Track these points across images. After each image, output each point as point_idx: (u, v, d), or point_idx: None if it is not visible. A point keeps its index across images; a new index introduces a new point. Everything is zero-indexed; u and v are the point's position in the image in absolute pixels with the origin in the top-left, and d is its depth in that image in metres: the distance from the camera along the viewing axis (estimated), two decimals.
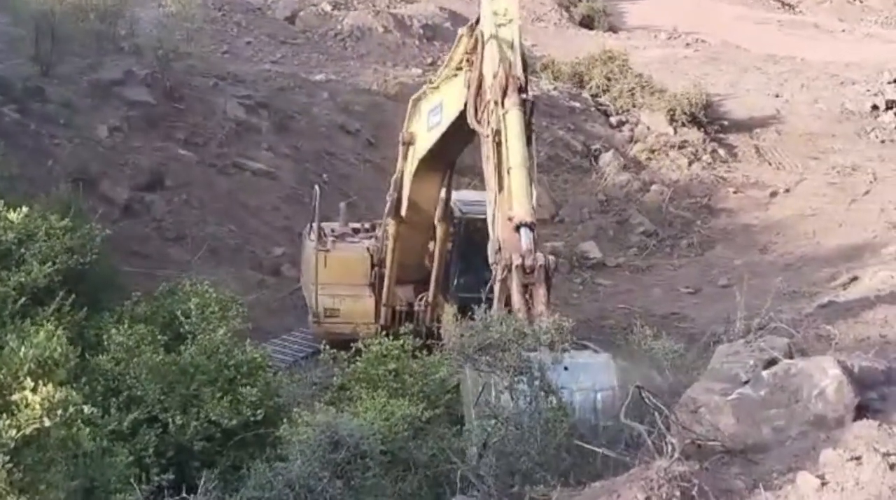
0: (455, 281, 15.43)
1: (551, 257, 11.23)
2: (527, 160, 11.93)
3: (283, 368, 13.83)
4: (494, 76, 12.30)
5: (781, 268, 21.17)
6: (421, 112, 15.01)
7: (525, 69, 12.60)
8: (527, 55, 13.63)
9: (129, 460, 8.73)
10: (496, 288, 11.03)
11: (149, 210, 19.54)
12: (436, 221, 15.52)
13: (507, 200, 11.67)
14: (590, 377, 9.48)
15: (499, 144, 12.01)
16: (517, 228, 11.24)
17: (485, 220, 15.24)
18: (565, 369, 9.41)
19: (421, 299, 15.83)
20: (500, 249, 11.23)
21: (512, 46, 12.50)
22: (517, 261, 10.78)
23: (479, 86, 12.70)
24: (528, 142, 12.24)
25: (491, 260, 11.47)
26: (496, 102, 12.16)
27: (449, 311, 14.89)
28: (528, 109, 12.31)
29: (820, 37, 38.02)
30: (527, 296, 10.76)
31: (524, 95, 12.16)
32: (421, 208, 15.47)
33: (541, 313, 10.58)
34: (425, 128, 14.82)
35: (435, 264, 15.65)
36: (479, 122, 12.56)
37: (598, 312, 19.16)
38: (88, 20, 22.04)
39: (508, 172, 11.81)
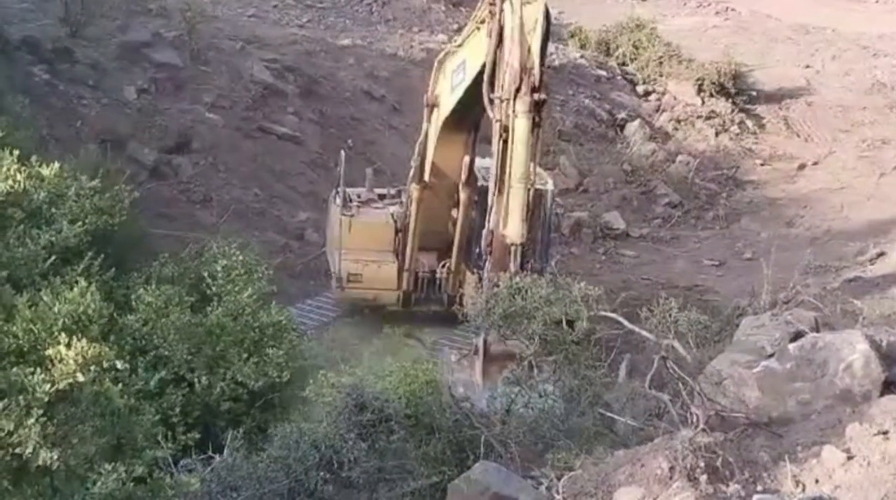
0: (479, 248, 15.43)
1: (535, 276, 11.36)
2: (529, 175, 11.89)
3: (308, 331, 13.94)
4: (510, 64, 11.99)
5: (808, 242, 21.08)
6: (445, 72, 14.94)
7: (543, 55, 12.23)
8: (551, 29, 13.30)
9: (155, 418, 8.84)
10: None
11: (176, 173, 19.63)
12: (459, 187, 15.51)
13: (504, 216, 11.80)
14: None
15: (504, 141, 12.01)
16: (508, 248, 11.43)
17: None
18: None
19: (443, 266, 15.85)
20: (488, 257, 11.40)
21: (534, 28, 12.15)
22: (505, 281, 10.91)
23: (500, 37, 12.42)
24: (534, 144, 12.05)
25: (484, 246, 11.93)
26: (508, 99, 12.04)
27: (471, 279, 14.93)
28: (541, 109, 12.11)
29: (853, 7, 37.45)
30: None
31: (537, 96, 11.95)
32: (444, 173, 15.45)
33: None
34: (449, 88, 14.77)
35: (458, 231, 15.66)
36: (492, 101, 12.41)
37: (620, 283, 19.11)
38: None
39: (510, 187, 11.86)
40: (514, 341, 10.85)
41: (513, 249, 11.67)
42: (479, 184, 15.45)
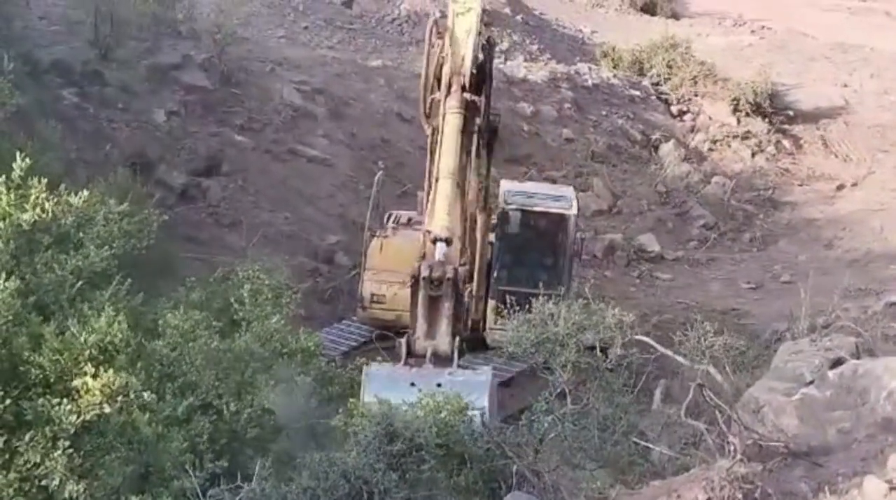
0: (497, 273, 15.34)
1: (462, 270, 11.65)
2: (455, 171, 12.06)
3: (336, 357, 13.92)
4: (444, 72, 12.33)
5: (847, 264, 20.85)
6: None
7: (479, 64, 12.51)
8: (492, 43, 13.58)
9: (183, 446, 8.84)
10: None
11: (205, 196, 19.73)
12: (476, 212, 15.51)
13: (430, 210, 11.84)
14: (464, 397, 9.60)
15: (433, 143, 12.18)
16: (433, 242, 11.35)
17: (528, 211, 15.35)
18: (438, 385, 9.64)
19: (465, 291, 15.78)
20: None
21: (467, 37, 12.41)
22: (425, 272, 11.15)
23: (439, 68, 12.76)
24: (479, 146, 12.25)
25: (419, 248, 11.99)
26: (440, 101, 12.29)
27: (490, 305, 14.90)
28: (481, 109, 12.33)
29: (891, 25, 37.24)
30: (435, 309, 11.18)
31: (468, 95, 12.17)
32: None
33: (443, 329, 11.08)
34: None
35: (477, 256, 15.62)
36: (427, 115, 12.64)
37: (655, 306, 19.00)
38: (147, 3, 22.29)
39: (436, 182, 11.95)
40: (441, 337, 11.05)
41: (438, 244, 11.63)
42: (501, 207, 15.43)
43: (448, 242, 11.56)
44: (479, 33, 12.96)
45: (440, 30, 13.20)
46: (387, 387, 10.22)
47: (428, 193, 12.36)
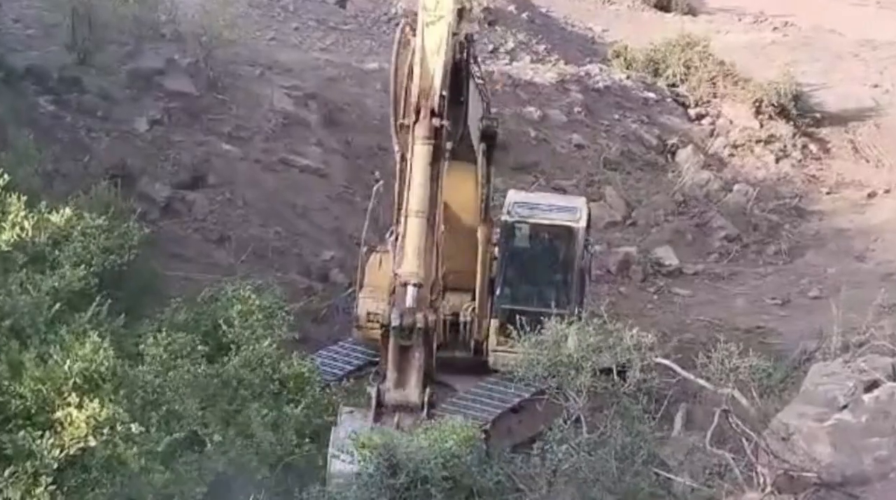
0: (499, 290, 15.32)
1: (432, 317, 11.70)
2: (426, 207, 12.08)
3: (333, 381, 13.91)
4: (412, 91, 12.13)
5: (881, 278, 20.81)
6: None
7: (449, 78, 12.35)
8: (470, 39, 13.38)
9: (166, 477, 8.82)
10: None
11: (190, 209, 19.76)
12: (476, 225, 15.48)
13: (400, 250, 11.96)
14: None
15: (402, 171, 12.19)
16: (403, 286, 11.67)
17: (533, 224, 15.34)
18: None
19: (467, 309, 15.75)
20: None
21: (437, 52, 12.22)
22: (395, 321, 11.39)
23: (409, 75, 12.56)
24: (436, 176, 12.15)
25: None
26: (408, 125, 12.20)
27: (492, 324, 14.89)
28: (447, 135, 12.27)
29: None
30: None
31: (436, 121, 12.11)
32: (454, 210, 15.38)
33: (413, 380, 11.26)
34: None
35: (478, 272, 15.58)
36: (397, 131, 12.52)
37: (674, 325, 18.98)
38: (127, 5, 22.35)
39: (406, 220, 12.04)
40: (411, 388, 11.20)
41: (408, 288, 11.69)
42: (504, 220, 15.42)
43: (418, 286, 11.67)
44: (455, 34, 12.59)
45: (413, 30, 12.74)
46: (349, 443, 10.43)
47: (398, 222, 12.36)
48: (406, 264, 11.90)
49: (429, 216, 12.19)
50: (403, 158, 12.40)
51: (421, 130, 12.13)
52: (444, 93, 12.26)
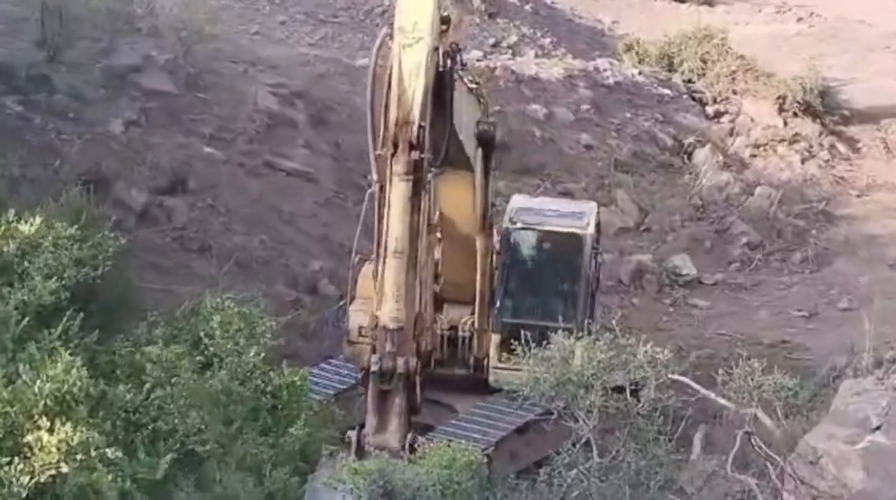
0: (500, 303, 15.34)
1: (413, 362, 11.95)
2: (404, 246, 12.17)
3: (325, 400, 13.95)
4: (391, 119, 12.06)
5: None
6: None
7: (430, 105, 12.21)
8: (457, 49, 13.29)
9: None
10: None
11: (169, 217, 19.80)
12: (475, 234, 15.50)
13: (380, 290, 12.17)
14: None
15: (380, 201, 12.28)
16: (383, 329, 12.01)
17: (536, 231, 15.38)
18: None
19: (465, 323, 15.77)
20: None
21: (416, 76, 12.09)
22: (374, 367, 11.72)
23: (389, 85, 12.45)
24: (417, 207, 12.25)
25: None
26: (386, 157, 12.21)
27: (493, 339, 14.92)
28: (426, 166, 12.30)
29: None
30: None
31: (415, 155, 12.09)
32: (451, 219, 15.40)
33: (394, 425, 11.65)
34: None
35: (478, 284, 15.60)
36: (375, 159, 12.49)
37: (692, 339, 19.02)
38: None
39: (384, 260, 12.22)
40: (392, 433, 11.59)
41: (388, 333, 12.03)
42: (506, 226, 15.43)
43: (398, 330, 12.02)
44: (437, 49, 12.39)
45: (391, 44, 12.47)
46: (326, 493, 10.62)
47: (377, 257, 12.44)
48: (385, 307, 12.13)
49: (409, 254, 12.30)
50: (382, 188, 12.38)
51: (399, 166, 12.06)
52: (424, 123, 12.15)
